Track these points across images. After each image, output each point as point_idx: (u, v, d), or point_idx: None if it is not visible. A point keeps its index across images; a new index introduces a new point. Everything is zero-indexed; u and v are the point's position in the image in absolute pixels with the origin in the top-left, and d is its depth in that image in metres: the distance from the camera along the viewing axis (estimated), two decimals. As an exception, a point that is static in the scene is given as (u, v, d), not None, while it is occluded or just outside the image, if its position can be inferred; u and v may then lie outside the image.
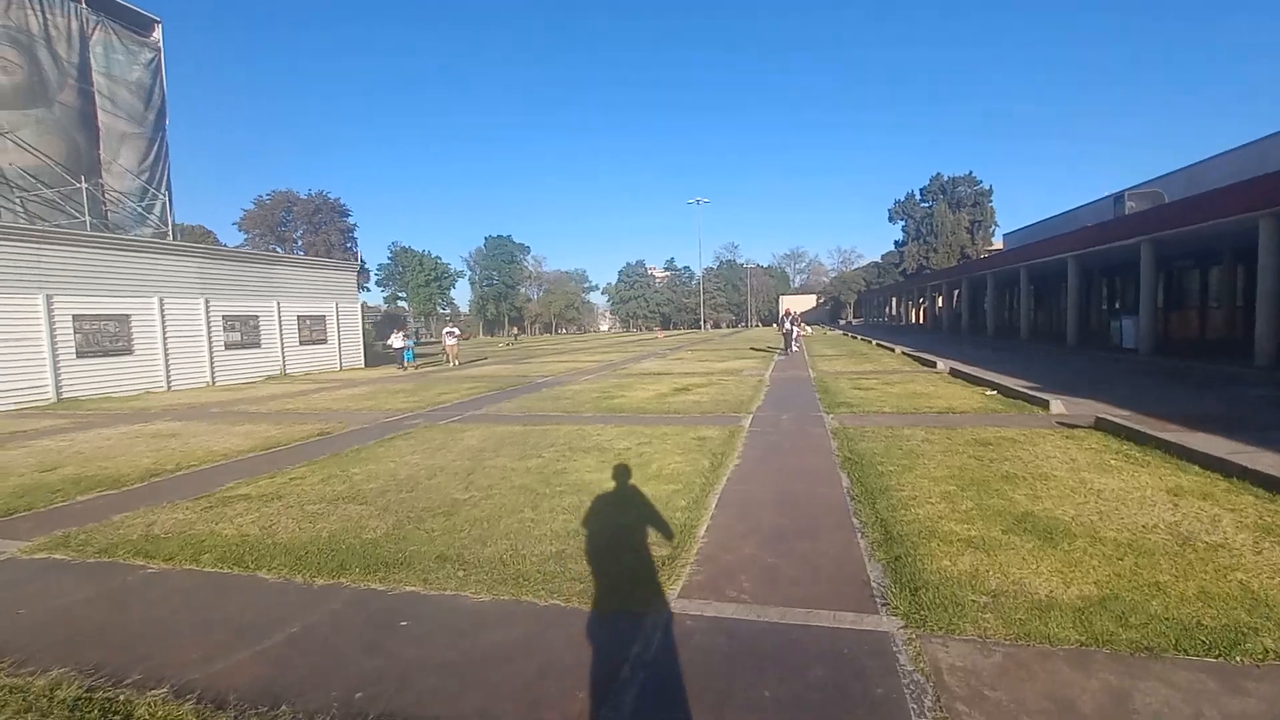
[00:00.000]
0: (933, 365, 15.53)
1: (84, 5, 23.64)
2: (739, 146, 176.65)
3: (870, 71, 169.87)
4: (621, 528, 4.45)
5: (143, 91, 25.67)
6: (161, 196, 24.98)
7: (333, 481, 6.13)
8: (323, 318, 23.06)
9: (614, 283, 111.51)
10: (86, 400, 15.06)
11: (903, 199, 74.68)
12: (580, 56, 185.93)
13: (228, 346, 19.22)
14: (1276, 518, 4.14)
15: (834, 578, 3.56)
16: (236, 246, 61.29)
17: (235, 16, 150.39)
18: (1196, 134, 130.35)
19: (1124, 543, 3.79)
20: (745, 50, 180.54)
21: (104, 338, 15.92)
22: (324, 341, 23.11)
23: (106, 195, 24.24)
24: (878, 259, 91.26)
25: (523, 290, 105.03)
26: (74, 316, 15.27)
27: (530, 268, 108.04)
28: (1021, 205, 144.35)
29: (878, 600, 3.26)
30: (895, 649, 2.80)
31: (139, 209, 24.79)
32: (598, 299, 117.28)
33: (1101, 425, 7.21)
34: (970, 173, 70.06)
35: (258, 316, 20.35)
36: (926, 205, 72.34)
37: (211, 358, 18.60)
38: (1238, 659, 2.61)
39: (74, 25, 23.34)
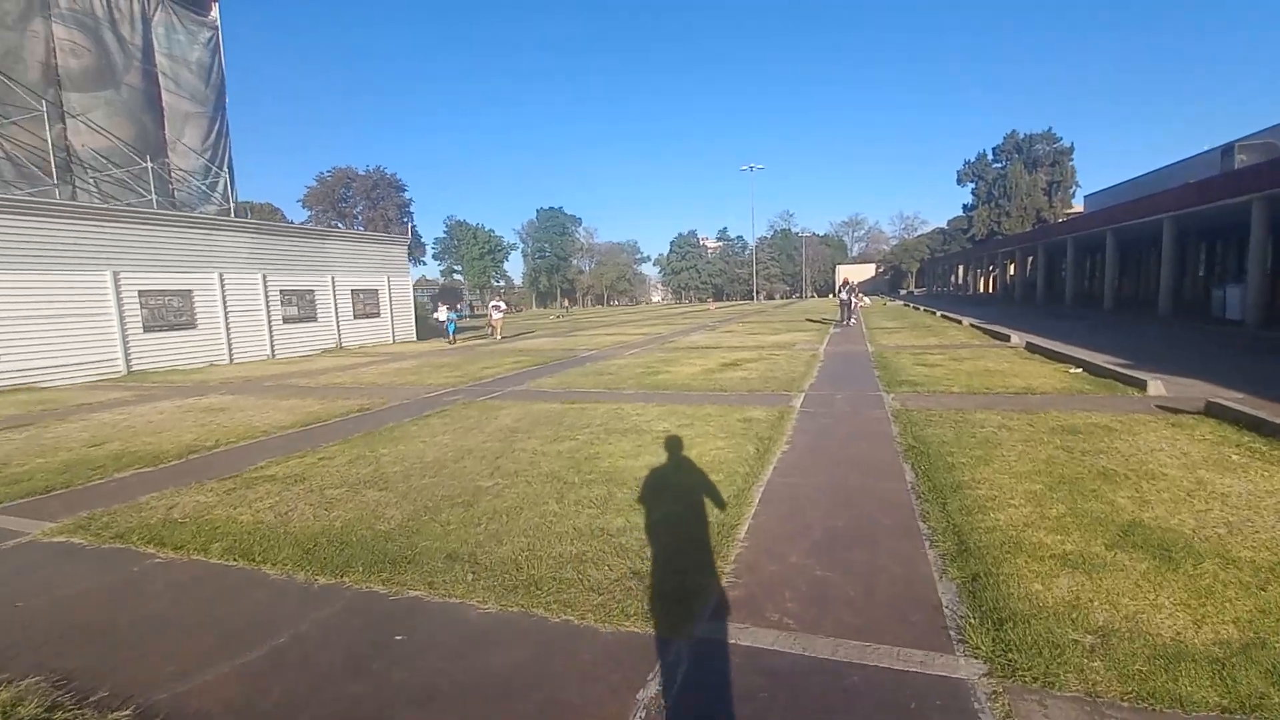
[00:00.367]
0: (1006, 339, 14.34)
1: (143, -14, 24.20)
2: (795, 108, 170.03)
3: (938, 23, 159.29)
4: (651, 526, 3.99)
5: (203, 71, 26.28)
6: (223, 174, 25.65)
7: (359, 463, 5.91)
8: (375, 291, 23.37)
9: (666, 254, 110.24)
10: (154, 373, 15.68)
11: (973, 159, 70.21)
12: (628, 26, 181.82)
13: (285, 320, 19.70)
14: None
15: (897, 600, 2.99)
16: (302, 223, 63.57)
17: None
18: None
19: (1266, 567, 3.07)
20: (799, 9, 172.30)
21: (168, 312, 16.49)
22: (376, 315, 23.46)
23: (173, 174, 25.13)
24: (943, 225, 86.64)
25: (575, 262, 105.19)
26: (140, 292, 15.83)
27: (582, 239, 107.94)
28: (1105, 165, 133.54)
29: (952, 634, 2.68)
30: (977, 705, 2.24)
31: (203, 187, 25.60)
32: (649, 270, 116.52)
33: (1214, 411, 6.24)
34: (1049, 129, 65.07)
35: (313, 291, 20.75)
36: (999, 166, 67.79)
37: (270, 331, 19.10)
38: None
39: (136, 7, 23.93)
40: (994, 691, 2.30)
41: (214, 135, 26.47)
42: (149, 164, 21.34)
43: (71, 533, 4.44)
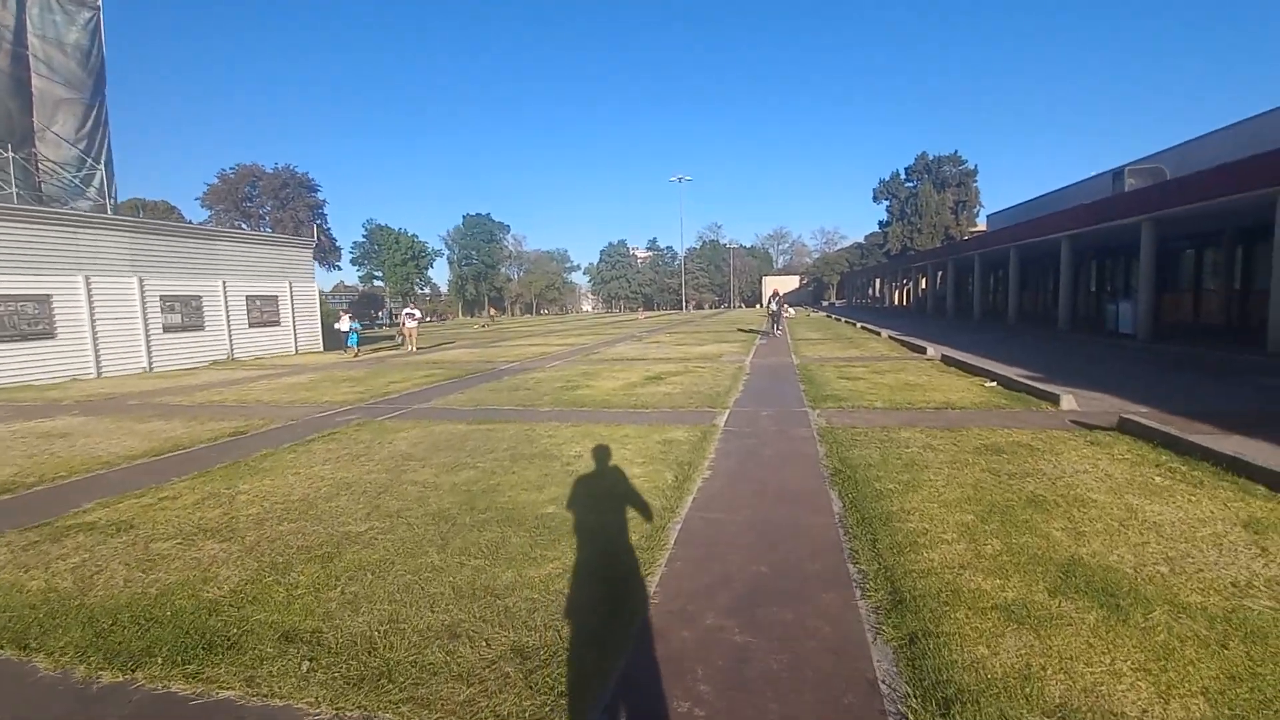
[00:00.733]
0: (922, 351, 14.61)
1: (15, -41, 21.52)
2: (722, 126, 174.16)
3: (855, 49, 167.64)
4: (547, 582, 3.37)
5: (80, 54, 23.62)
6: (99, 168, 23.07)
7: (208, 504, 4.97)
8: (275, 298, 21.55)
9: (595, 263, 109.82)
10: (1, 389, 13.61)
11: (888, 179, 73.68)
12: (560, 33, 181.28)
13: (166, 329, 17.74)
14: (1398, 568, 3.18)
15: (829, 676, 2.51)
16: (201, 223, 58.86)
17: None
18: (1184, 115, 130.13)
19: (1220, 615, 2.79)
20: (727, 28, 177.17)
21: (20, 320, 14.42)
22: (276, 323, 21.63)
23: (41, 165, 22.39)
24: (861, 240, 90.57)
25: (503, 270, 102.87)
26: (-17, 296, 13.75)
27: (510, 247, 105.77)
28: (1005, 187, 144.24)
29: (893, 724, 2.22)
30: (928, 836, 1.75)
31: (76, 181, 22.94)
32: (580, 279, 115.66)
33: (1128, 428, 6.25)
34: (956, 152, 69.18)
35: (200, 297, 18.84)
36: (911, 185, 71.46)
37: (148, 341, 17.13)
38: None
39: (6, -19, 21.24)
40: (947, 812, 1.83)
41: (90, 124, 23.79)
42: (9, 153, 18.83)
43: None
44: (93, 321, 15.77)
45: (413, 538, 4.06)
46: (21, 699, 2.59)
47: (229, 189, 67.90)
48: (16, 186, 19.96)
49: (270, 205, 69.86)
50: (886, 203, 74.52)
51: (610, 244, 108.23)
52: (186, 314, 18.38)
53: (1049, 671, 2.43)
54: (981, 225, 58.46)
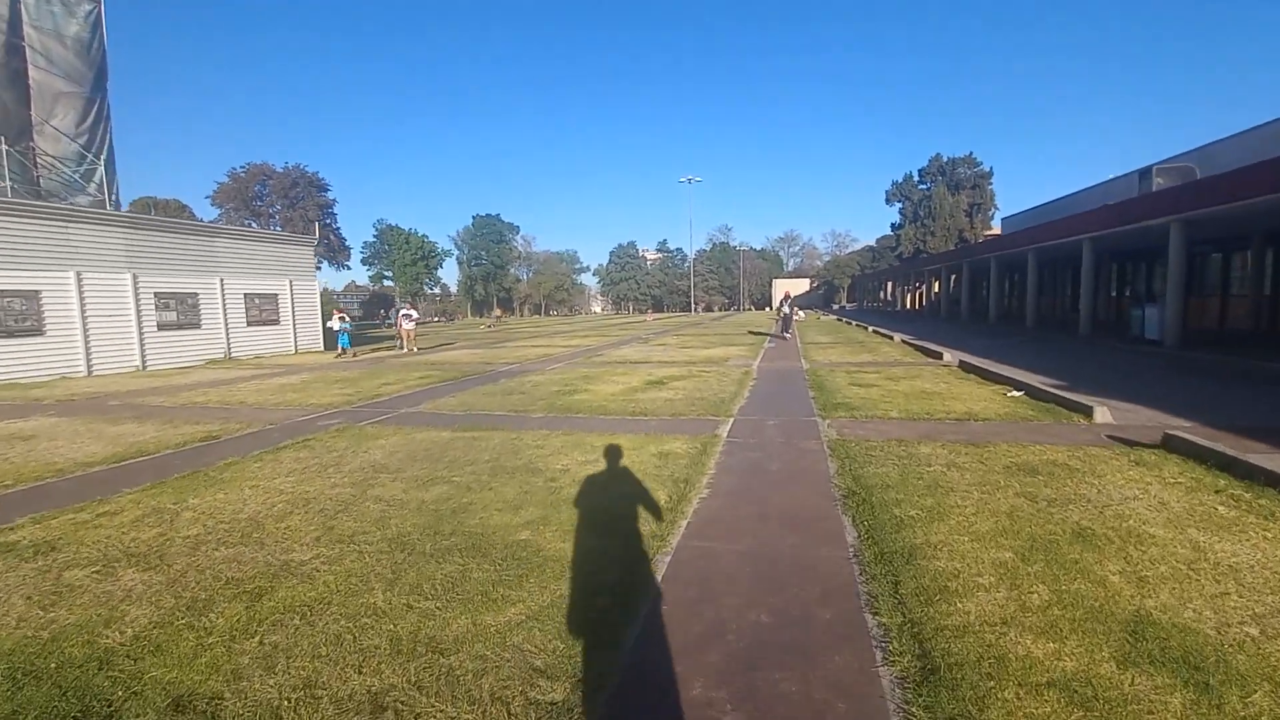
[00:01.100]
0: (938, 357, 13.97)
1: (11, -51, 21.31)
2: (733, 127, 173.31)
3: (868, 50, 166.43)
4: (504, 633, 2.83)
5: (81, 47, 23.40)
6: (99, 163, 22.80)
7: (146, 523, 4.46)
8: (274, 296, 21.19)
9: (605, 264, 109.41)
10: (-15, 387, 13.27)
11: (900, 180, 72.78)
12: (570, 33, 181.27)
13: (161, 327, 17.38)
14: None
15: (843, 782, 1.95)
16: (210, 221, 58.86)
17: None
18: (1206, 118, 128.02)
19: (1342, 701, 2.20)
20: (737, 28, 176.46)
21: (8, 316, 14.08)
22: (275, 322, 21.26)
23: (39, 160, 22.16)
24: (873, 243, 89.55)
25: (512, 271, 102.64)
26: (-31, 292, 13.41)
27: (520, 248, 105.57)
28: (1020, 190, 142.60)
29: None
30: None
31: (75, 176, 22.70)
32: (589, 280, 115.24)
33: (1174, 446, 5.63)
34: (971, 154, 68.19)
35: (197, 294, 18.48)
36: (925, 187, 70.50)
37: (141, 339, 16.77)
38: None
39: (0, -29, 21.02)
40: None
41: (91, 119, 23.56)
42: (2, 146, 18.55)
43: None
44: (84, 318, 15.42)
45: (361, 570, 3.53)
46: None
47: (239, 188, 68.06)
48: (14, 180, 19.75)
49: (280, 204, 69.97)
50: (899, 205, 73.60)
51: (620, 245, 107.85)
52: (182, 311, 18.02)
53: (1135, 786, 1.85)
54: (996, 229, 57.47)
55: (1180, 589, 3.04)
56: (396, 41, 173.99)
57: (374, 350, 22.34)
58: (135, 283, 16.68)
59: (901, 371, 11.99)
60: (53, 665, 2.68)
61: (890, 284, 61.08)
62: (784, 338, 22.31)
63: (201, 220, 59.06)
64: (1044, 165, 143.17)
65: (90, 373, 15.47)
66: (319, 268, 73.30)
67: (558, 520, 4.23)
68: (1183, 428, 6.32)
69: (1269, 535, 3.63)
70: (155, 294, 17.22)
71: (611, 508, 4.47)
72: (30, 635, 2.94)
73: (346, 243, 75.88)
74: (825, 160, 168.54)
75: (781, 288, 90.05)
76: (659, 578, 3.38)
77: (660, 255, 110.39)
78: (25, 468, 6.28)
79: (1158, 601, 2.92)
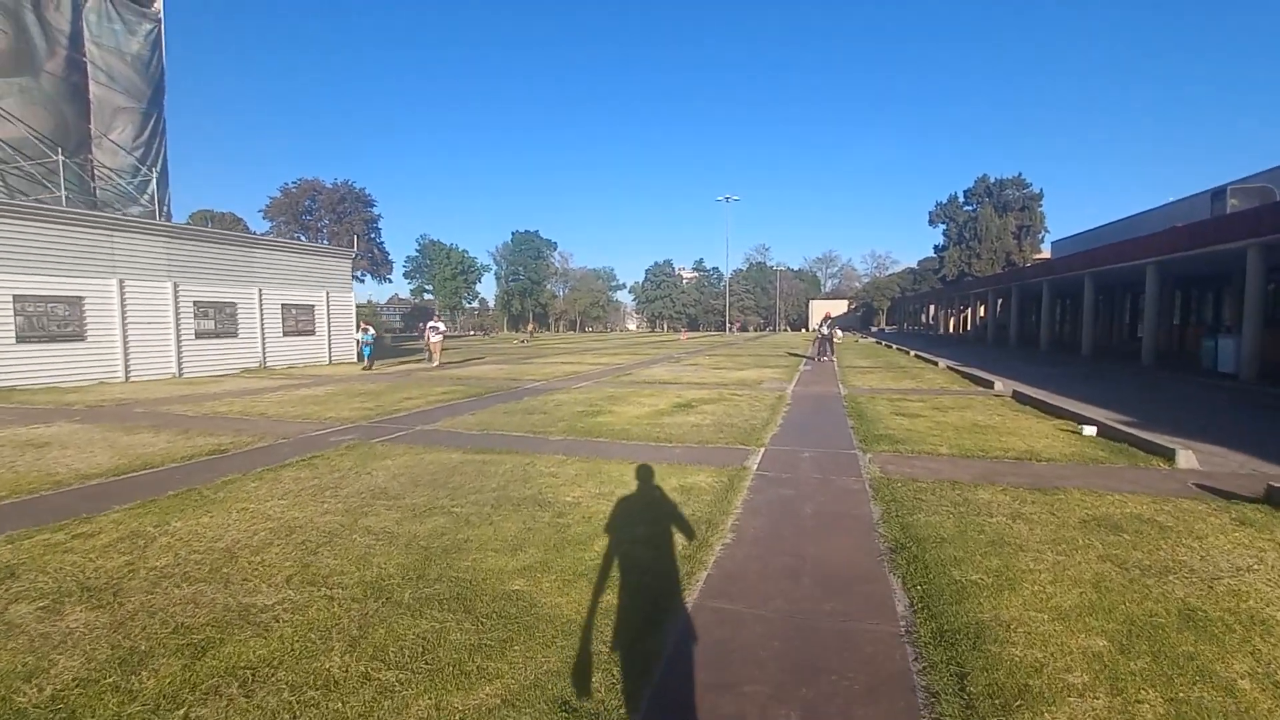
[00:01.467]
0: (989, 385, 13.05)
1: (79, -29, 22.39)
2: (772, 146, 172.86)
3: (912, 69, 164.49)
4: (468, 717, 2.32)
5: (140, 64, 24.39)
6: (153, 174, 23.56)
7: (119, 548, 4.11)
8: (310, 307, 21.40)
9: (640, 282, 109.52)
10: (24, 390, 13.50)
11: (944, 201, 71.05)
12: (611, 52, 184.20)
13: (198, 335, 17.61)
14: None
15: None
16: (263, 234, 60.86)
17: (273, 6, 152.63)
18: (1260, 142, 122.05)
19: None
20: (780, 47, 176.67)
21: (50, 321, 14.38)
22: (311, 333, 21.45)
23: (97, 171, 23.02)
24: (914, 265, 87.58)
25: (549, 286, 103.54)
26: (15, 296, 13.74)
27: (556, 264, 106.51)
28: (1070, 213, 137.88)
29: None
30: None
31: (130, 188, 23.51)
32: (625, 298, 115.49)
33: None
34: (1019, 174, 66.19)
35: (235, 304, 18.73)
36: (970, 209, 68.61)
37: (179, 347, 17.00)
38: None
39: (67, -10, 22.07)
40: None
41: (148, 133, 24.48)
42: (60, 157, 19.27)
43: None
44: (124, 325, 15.68)
45: (325, 621, 3.06)
46: None
47: (290, 202, 70.42)
48: (71, 190, 20.50)
49: (328, 219, 72.07)
50: (943, 226, 71.81)
51: (655, 263, 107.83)
52: (220, 320, 18.26)
53: None
54: (1046, 252, 55.41)
55: (1341, 707, 2.35)
56: (443, 61, 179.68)
57: (401, 363, 22.35)
58: (176, 291, 16.96)
59: (949, 401, 11.17)
60: (-54, 733, 2.28)
61: (932, 307, 59.31)
62: (821, 361, 21.48)
63: (254, 233, 61.28)
64: (1096, 189, 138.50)
65: (128, 378, 15.69)
66: (362, 280, 75.32)
67: (559, 567, 3.71)
68: (1286, 478, 5.48)
69: None
70: (194, 303, 17.49)
71: (621, 553, 3.93)
72: (-62, 690, 2.55)
73: (389, 256, 77.56)
74: (866, 180, 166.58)
75: (819, 309, 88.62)
76: (667, 652, 2.83)
77: (696, 274, 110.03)
78: (26, 478, 6.08)
79: (1315, 725, 2.24)
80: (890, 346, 32.21)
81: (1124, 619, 3.03)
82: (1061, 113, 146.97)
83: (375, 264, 75.05)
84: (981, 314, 44.71)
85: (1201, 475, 5.96)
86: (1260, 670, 2.60)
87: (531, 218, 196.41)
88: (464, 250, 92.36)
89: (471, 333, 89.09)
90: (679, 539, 4.21)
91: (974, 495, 5.16)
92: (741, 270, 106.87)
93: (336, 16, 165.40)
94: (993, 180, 67.20)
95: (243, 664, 2.69)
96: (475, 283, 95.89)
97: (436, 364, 19.79)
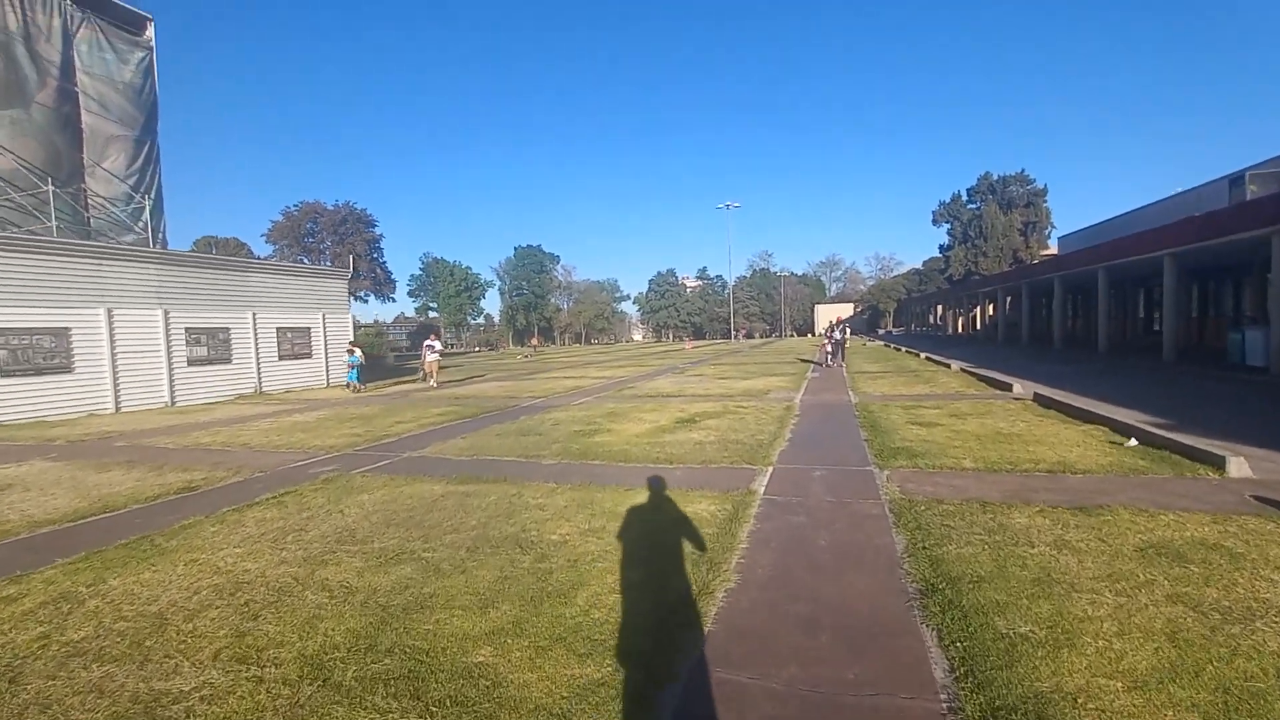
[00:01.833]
0: (1007, 388, 12.46)
1: (69, 2, 22.34)
2: (772, 152, 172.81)
3: (908, 67, 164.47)
4: None
5: (133, 93, 24.29)
6: (146, 201, 23.35)
7: (38, 616, 3.61)
8: (307, 330, 21.04)
9: (644, 292, 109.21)
10: (9, 426, 13.12)
11: (948, 200, 70.45)
12: (608, 62, 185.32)
13: (191, 362, 17.24)
14: None
15: None
16: (266, 258, 60.93)
17: (269, 27, 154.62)
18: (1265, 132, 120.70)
19: None
20: (773, 52, 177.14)
21: (36, 354, 14.03)
22: (308, 356, 21.08)
23: (91, 201, 22.84)
24: (918, 265, 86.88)
25: (553, 300, 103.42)
26: (-3, 330, 13.39)
27: (560, 277, 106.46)
28: (1076, 209, 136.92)
29: None
30: None
31: (124, 216, 23.31)
32: (629, 308, 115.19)
33: (1366, 516, 4.23)
34: (1023, 171, 65.54)
35: (228, 329, 18.36)
36: (974, 207, 67.98)
37: (171, 375, 16.63)
38: None
39: (56, 22, 21.98)
40: None
41: (141, 160, 24.31)
42: (50, 187, 19.06)
43: None
44: (113, 355, 15.33)
45: (244, 716, 2.55)
46: None
47: (292, 225, 70.59)
48: (63, 220, 20.27)
49: (330, 240, 72.17)
50: (947, 226, 71.18)
51: (659, 273, 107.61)
52: (213, 346, 17.89)
53: None
54: (1053, 248, 54.69)
55: None
56: (440, 80, 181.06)
57: (399, 383, 21.90)
58: (166, 318, 16.61)
59: (967, 406, 10.58)
60: None
61: (939, 307, 58.61)
62: (829, 366, 20.91)
63: (258, 257, 61.31)
64: (1101, 183, 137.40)
65: (118, 409, 15.32)
66: (365, 300, 75.39)
67: (534, 629, 3.18)
68: (1358, 487, 4.90)
69: None
70: (186, 329, 17.14)
71: (607, 608, 3.40)
72: None
73: (392, 275, 77.58)
74: (867, 182, 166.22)
75: (824, 313, 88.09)
76: (658, 744, 2.29)
77: (700, 283, 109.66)
78: (-29, 528, 5.61)
79: None
80: (899, 349, 31.56)
81: (1215, 685, 2.47)
82: (1063, 108, 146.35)
83: (378, 283, 75.07)
84: (990, 313, 44.01)
85: (1257, 485, 5.38)
86: None
87: (534, 232, 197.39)
88: (467, 267, 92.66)
89: (477, 349, 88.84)
90: (675, 584, 3.68)
91: (1009, 519, 4.60)
92: (745, 277, 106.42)
93: (332, 35, 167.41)
94: (996, 177, 66.61)
95: (128, 783, 2.18)
96: (479, 299, 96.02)
97: (434, 384, 19.32)
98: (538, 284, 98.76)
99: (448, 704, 2.56)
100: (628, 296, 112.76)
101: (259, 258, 55.10)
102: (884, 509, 5.07)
